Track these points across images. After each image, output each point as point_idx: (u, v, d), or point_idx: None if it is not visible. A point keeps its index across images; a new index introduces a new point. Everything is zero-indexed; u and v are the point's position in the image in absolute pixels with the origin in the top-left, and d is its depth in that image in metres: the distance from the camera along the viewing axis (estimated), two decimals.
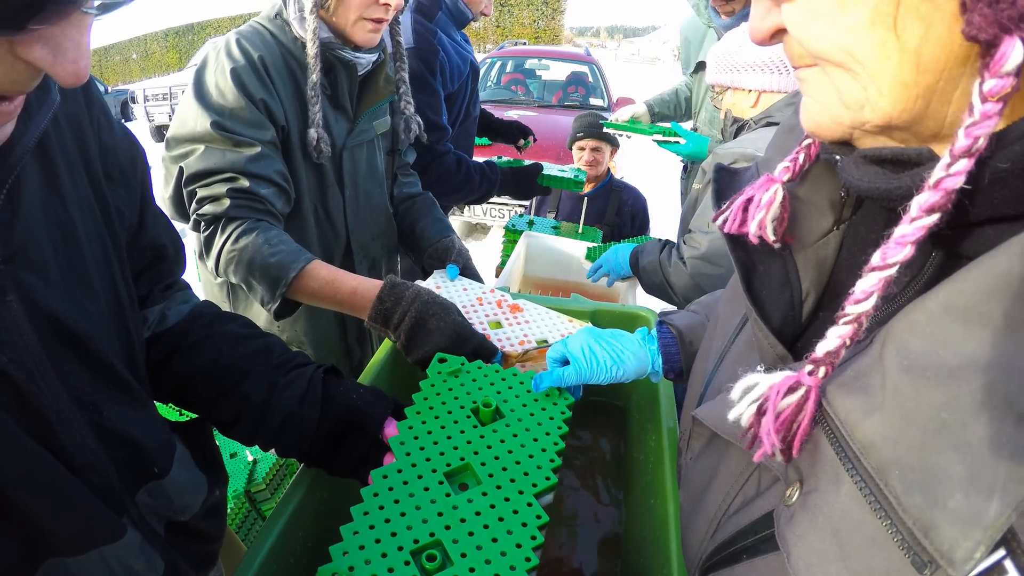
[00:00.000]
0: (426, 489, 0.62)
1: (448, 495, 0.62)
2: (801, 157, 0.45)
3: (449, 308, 0.90)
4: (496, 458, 0.67)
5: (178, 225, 1.03)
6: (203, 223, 1.00)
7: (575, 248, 1.81)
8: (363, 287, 0.95)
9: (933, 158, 0.33)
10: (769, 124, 1.36)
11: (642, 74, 20.17)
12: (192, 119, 0.99)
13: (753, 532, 0.43)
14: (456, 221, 4.79)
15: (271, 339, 0.76)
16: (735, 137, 1.49)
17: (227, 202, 0.98)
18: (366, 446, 0.72)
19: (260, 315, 1.20)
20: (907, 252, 0.32)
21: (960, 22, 0.28)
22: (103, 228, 0.58)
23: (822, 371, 0.36)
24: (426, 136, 1.35)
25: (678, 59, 2.77)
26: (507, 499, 0.62)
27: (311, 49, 1.03)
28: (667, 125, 2.04)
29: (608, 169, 2.40)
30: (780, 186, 0.45)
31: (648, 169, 5.49)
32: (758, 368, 0.47)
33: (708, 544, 0.50)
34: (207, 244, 1.01)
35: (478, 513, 0.60)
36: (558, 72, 6.47)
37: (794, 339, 0.46)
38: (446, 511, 0.60)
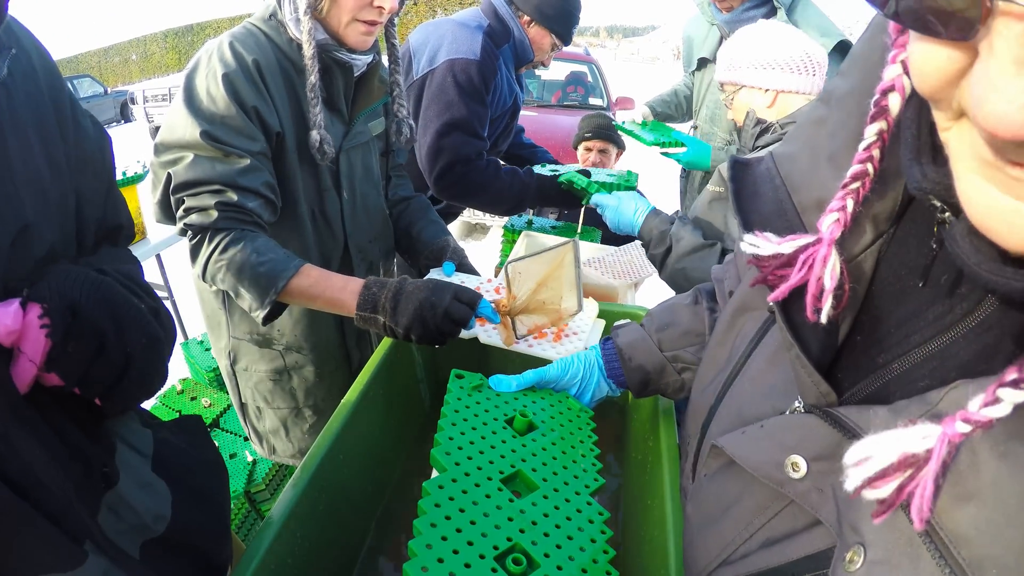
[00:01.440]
0: (488, 496, 0.62)
1: (511, 500, 0.62)
2: (850, 204, 0.39)
3: (427, 279, 0.96)
4: (544, 464, 0.68)
5: (167, 227, 1.05)
6: (190, 231, 1.00)
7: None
8: (353, 282, 0.99)
9: None
10: None
11: (641, 73, 20.15)
12: (182, 126, 0.98)
13: (791, 574, 0.42)
14: (456, 221, 4.79)
15: None
16: (757, 139, 1.43)
17: (215, 214, 0.98)
18: None
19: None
20: None
21: None
22: (55, 211, 0.54)
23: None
24: (415, 140, 1.36)
25: (678, 58, 2.76)
26: (567, 500, 0.64)
27: (308, 51, 1.02)
28: (673, 127, 2.03)
29: None
30: (838, 256, 0.39)
31: (648, 169, 5.49)
32: (796, 404, 0.43)
33: (722, 568, 0.49)
34: (194, 252, 1.01)
35: (546, 515, 0.61)
36: (557, 72, 6.46)
37: (830, 365, 0.43)
38: (515, 516, 0.61)
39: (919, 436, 0.30)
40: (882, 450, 0.31)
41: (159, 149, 1.00)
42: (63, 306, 0.48)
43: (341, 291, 0.98)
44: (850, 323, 0.43)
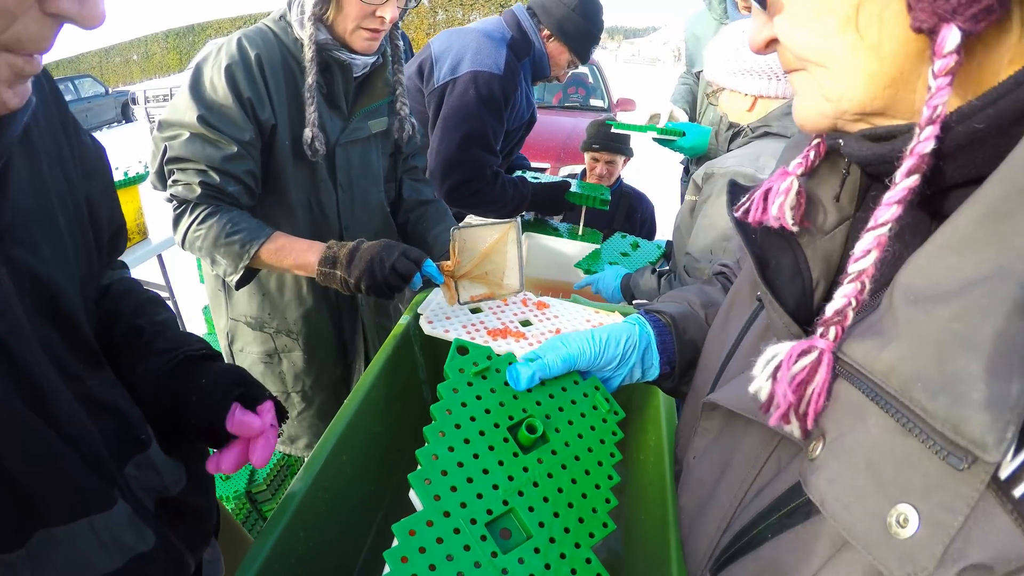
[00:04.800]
0: (467, 548, 0.51)
1: (494, 555, 0.51)
2: (812, 154, 0.49)
3: (383, 240, 1.05)
4: (545, 500, 0.56)
5: (160, 195, 1.16)
6: (175, 201, 1.11)
7: (575, 250, 1.81)
8: (317, 244, 1.09)
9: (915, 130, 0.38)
10: (766, 134, 1.35)
11: (642, 75, 20.18)
12: (183, 108, 1.08)
13: (776, 509, 0.43)
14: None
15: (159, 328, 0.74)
16: (730, 143, 1.48)
17: (198, 190, 1.08)
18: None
19: (253, 302, 1.29)
20: (895, 211, 0.36)
21: (908, 19, 0.35)
22: (73, 218, 0.61)
23: (832, 332, 0.39)
24: (421, 137, 1.39)
25: (678, 59, 2.76)
26: (563, 555, 0.53)
27: (307, 53, 1.10)
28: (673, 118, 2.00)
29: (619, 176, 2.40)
30: (795, 178, 0.49)
31: (649, 169, 5.50)
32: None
33: (722, 539, 0.50)
34: (176, 220, 1.11)
35: None
36: None
37: (807, 324, 0.47)
38: None
39: (790, 345, 0.40)
40: (775, 356, 0.40)
41: (162, 126, 1.10)
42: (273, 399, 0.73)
43: (306, 252, 1.07)
44: (824, 291, 0.49)
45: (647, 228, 2.41)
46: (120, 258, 0.81)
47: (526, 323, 1.04)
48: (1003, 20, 0.33)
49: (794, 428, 0.40)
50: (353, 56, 1.15)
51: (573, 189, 1.90)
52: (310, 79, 1.11)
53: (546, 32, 1.75)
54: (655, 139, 1.86)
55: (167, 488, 0.65)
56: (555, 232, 1.98)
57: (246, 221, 1.10)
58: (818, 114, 0.42)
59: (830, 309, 0.39)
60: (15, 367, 0.49)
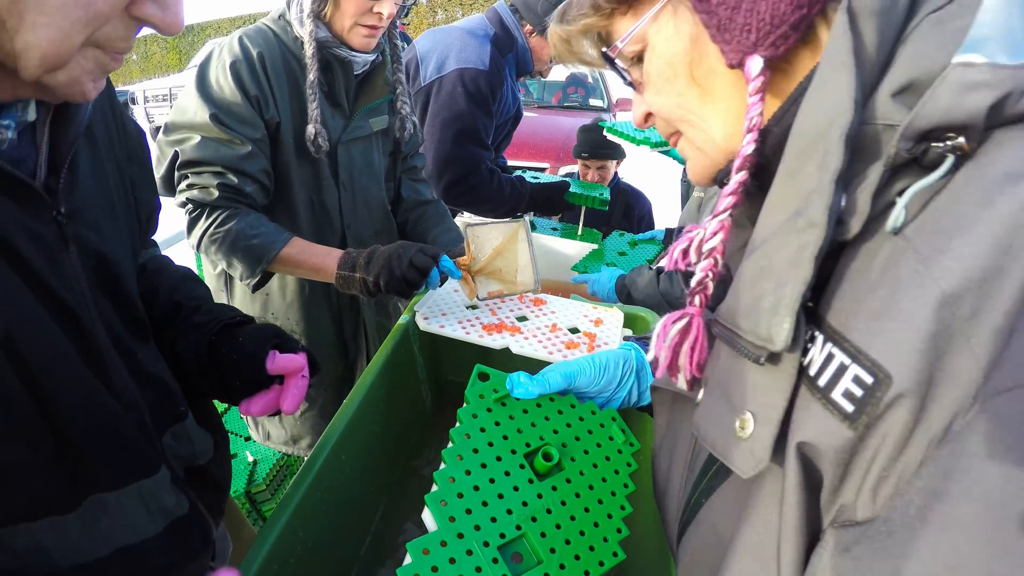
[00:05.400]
0: (478, 570, 0.53)
1: None
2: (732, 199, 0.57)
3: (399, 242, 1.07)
4: (557, 527, 0.57)
5: (165, 200, 1.10)
6: (190, 205, 1.09)
7: (574, 250, 1.82)
8: (336, 250, 1.10)
9: None
10: None
11: None
12: (192, 109, 1.06)
13: (704, 474, 0.48)
14: (456, 221, 4.79)
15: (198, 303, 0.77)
16: None
17: (215, 193, 1.07)
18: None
19: (256, 301, 1.29)
20: (730, 200, 0.43)
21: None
22: (123, 201, 0.64)
23: (697, 299, 0.46)
24: (421, 136, 1.39)
25: None
26: None
27: (308, 50, 1.10)
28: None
29: (615, 173, 2.39)
30: (702, 229, 0.55)
31: (647, 167, 5.49)
32: None
33: (680, 518, 0.52)
34: (191, 224, 1.10)
35: None
36: (558, 73, 6.46)
37: None
38: None
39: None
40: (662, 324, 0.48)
41: (169, 129, 1.09)
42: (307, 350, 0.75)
43: (325, 257, 1.09)
44: None
45: (644, 225, 2.41)
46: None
47: (522, 319, 1.04)
48: (808, 39, 0.39)
49: (681, 381, 0.48)
50: (353, 54, 1.15)
51: (572, 189, 1.90)
52: (311, 76, 1.10)
53: (528, 27, 1.76)
54: (661, 152, 1.86)
55: (197, 457, 0.69)
56: (554, 232, 1.99)
57: (264, 225, 1.10)
58: (702, 167, 0.48)
59: (692, 282, 0.46)
60: (83, 337, 0.52)
